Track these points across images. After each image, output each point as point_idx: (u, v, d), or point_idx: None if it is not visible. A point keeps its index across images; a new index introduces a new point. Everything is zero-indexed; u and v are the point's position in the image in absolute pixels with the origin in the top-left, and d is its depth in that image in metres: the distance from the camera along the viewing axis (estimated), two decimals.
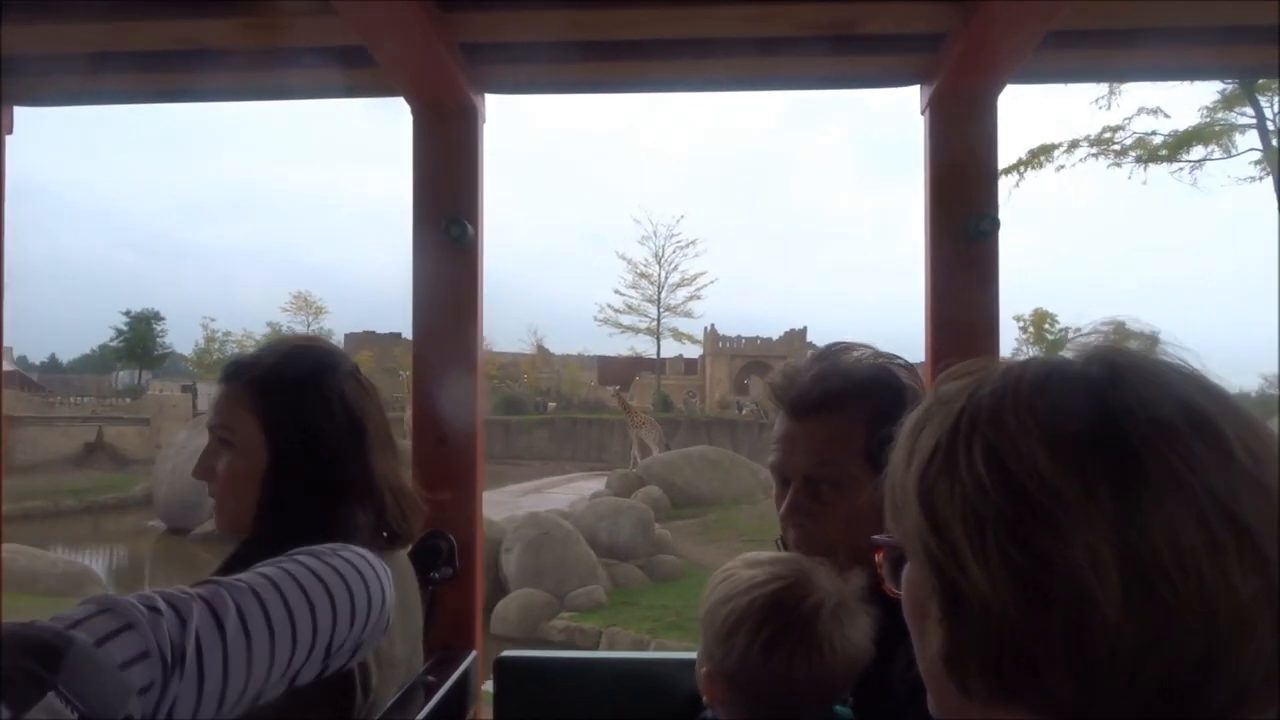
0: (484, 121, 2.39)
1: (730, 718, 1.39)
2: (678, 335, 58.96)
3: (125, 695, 0.89)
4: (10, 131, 2.44)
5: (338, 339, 66.75)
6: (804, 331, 59.62)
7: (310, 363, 1.67)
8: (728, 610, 1.35)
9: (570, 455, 41.61)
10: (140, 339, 63.82)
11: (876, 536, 0.81)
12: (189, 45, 2.18)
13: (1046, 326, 47.45)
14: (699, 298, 57.56)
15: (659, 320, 57.22)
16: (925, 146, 2.30)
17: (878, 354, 1.55)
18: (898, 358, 1.57)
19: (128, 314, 64.01)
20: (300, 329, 62.29)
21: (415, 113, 2.33)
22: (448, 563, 2.14)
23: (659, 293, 57.65)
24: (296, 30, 2.13)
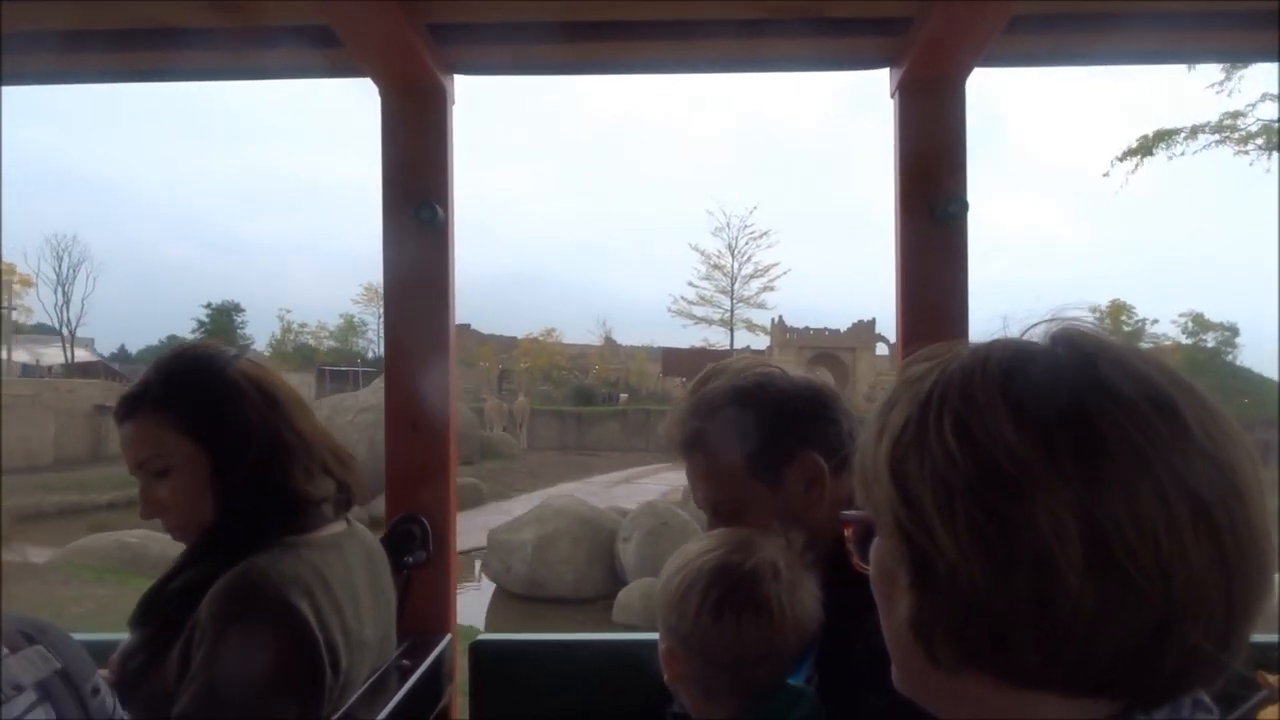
0: (453, 103, 2.37)
1: (691, 695, 1.41)
2: (751, 326, 58.98)
3: (92, 668, 1.02)
4: None
5: None
6: (873, 323, 58.98)
7: (197, 360, 1.68)
8: (679, 579, 1.39)
9: (644, 447, 41.54)
10: (221, 331, 64.40)
11: (845, 513, 0.83)
12: (155, 24, 2.15)
13: (1124, 318, 47.58)
14: (772, 289, 57.56)
15: (732, 312, 57.00)
16: (895, 130, 2.31)
17: (743, 370, 1.60)
18: (767, 364, 1.62)
19: (209, 306, 65.32)
20: (371, 320, 64.94)
21: (383, 94, 2.31)
22: (421, 546, 2.15)
23: (732, 284, 57.28)
24: (263, 10, 2.10)
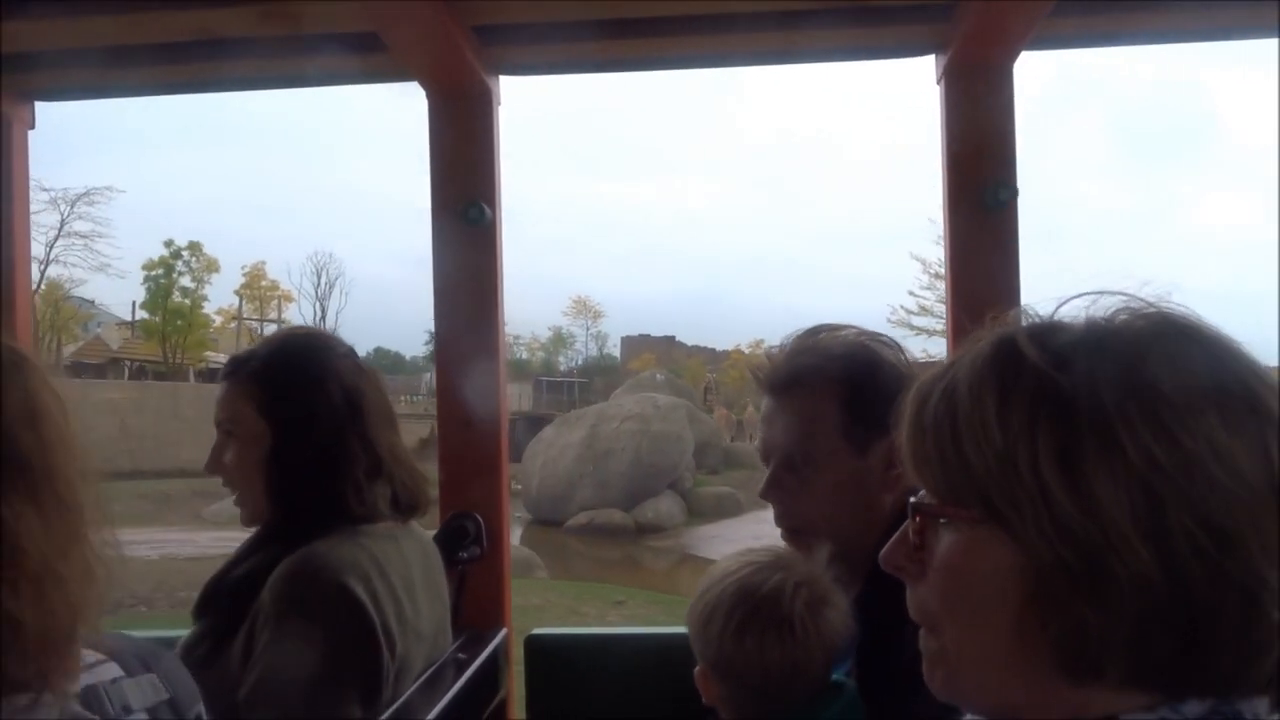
0: (499, 104, 2.39)
1: (728, 715, 1.41)
2: None
3: (198, 697, 1.06)
4: (33, 127, 2.47)
5: (614, 342, 70.97)
6: None
7: (303, 348, 1.75)
8: (703, 604, 1.39)
9: None
10: None
11: (918, 500, 0.76)
12: (204, 35, 2.20)
13: None
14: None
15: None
16: (941, 117, 2.29)
17: (861, 333, 1.56)
18: (881, 336, 1.58)
19: None
20: (580, 333, 68.71)
21: (430, 97, 2.34)
22: (475, 543, 2.18)
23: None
24: (311, 17, 2.14)
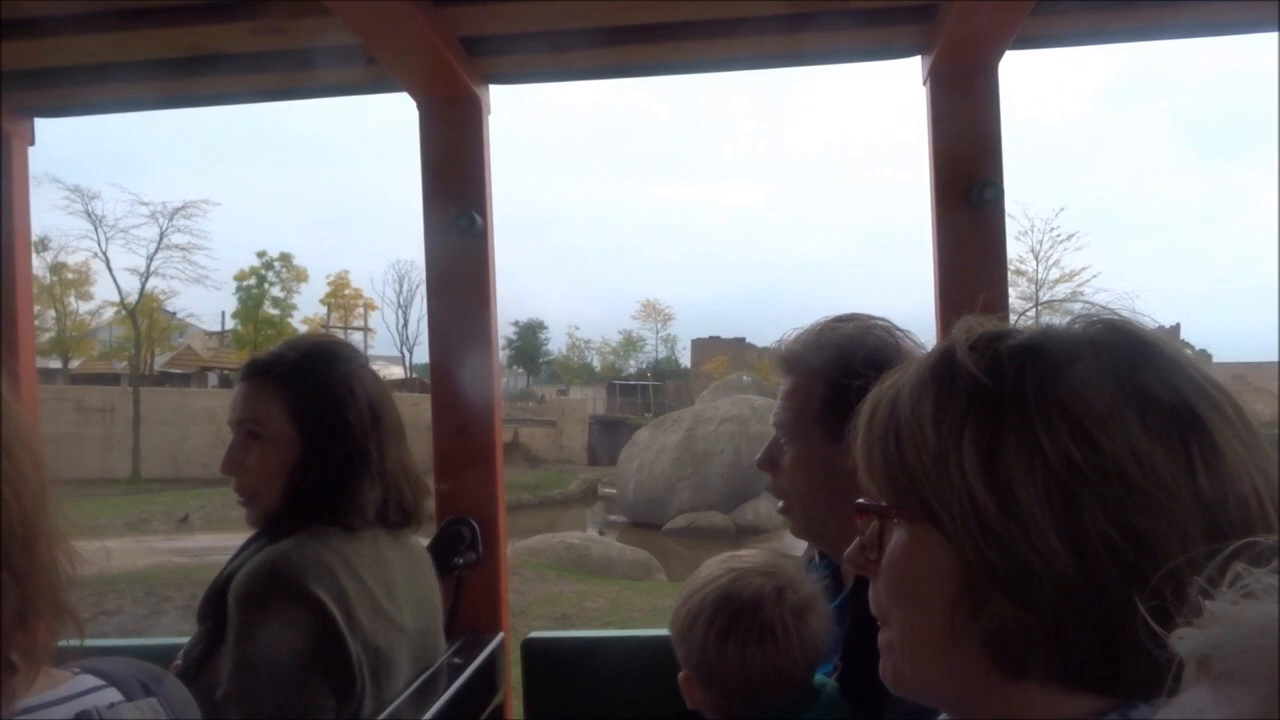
0: (489, 113, 2.41)
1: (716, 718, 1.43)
2: None
3: None
4: (33, 143, 2.51)
5: (684, 345, 71.45)
6: (1177, 328, 55.87)
7: (333, 357, 1.77)
8: (686, 610, 1.41)
9: None
10: (528, 347, 69.79)
11: (864, 501, 0.79)
12: (196, 51, 2.23)
13: None
14: (1082, 293, 55.90)
15: (1036, 318, 55.88)
16: (928, 118, 2.29)
17: (881, 326, 1.57)
18: (910, 334, 1.57)
19: (516, 324, 70.24)
20: (649, 336, 69.73)
21: (420, 107, 2.36)
22: (470, 548, 2.20)
23: (1036, 290, 56.08)
24: (300, 31, 2.16)
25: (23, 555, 0.87)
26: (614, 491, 27.98)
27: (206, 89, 2.41)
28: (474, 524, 2.23)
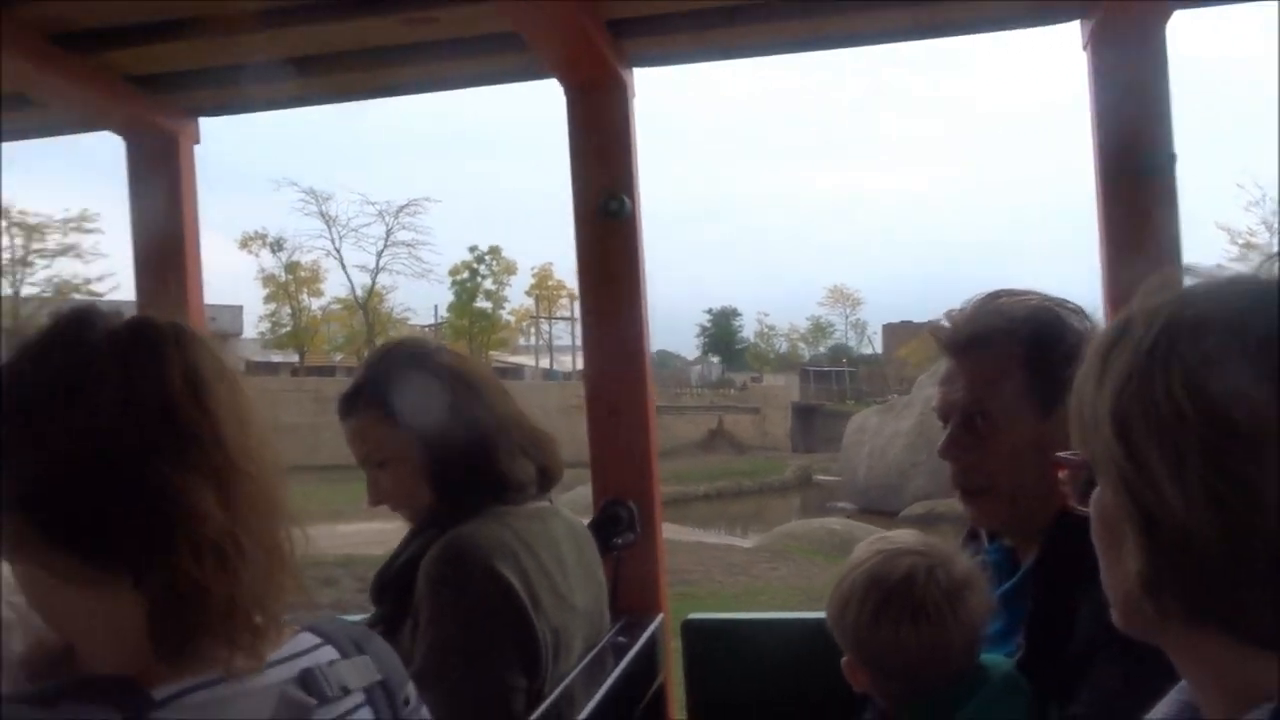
0: (634, 96, 2.42)
1: (879, 702, 1.43)
2: None
3: (406, 679, 1.09)
4: (198, 142, 2.61)
5: (875, 330, 71.36)
6: None
7: (404, 357, 1.81)
8: (838, 595, 1.41)
9: None
10: (723, 334, 71.04)
11: (1063, 454, 0.81)
12: (354, 46, 2.29)
13: None
14: None
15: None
16: (1090, 84, 2.21)
17: (1045, 298, 1.53)
18: (1068, 302, 1.53)
19: (709, 311, 71.68)
20: (838, 321, 70.21)
21: (567, 93, 2.38)
22: (629, 529, 2.22)
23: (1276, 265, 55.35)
24: (451, 22, 2.20)
25: (263, 527, 0.93)
26: (827, 478, 27.88)
27: (359, 84, 2.47)
28: (631, 505, 2.25)
